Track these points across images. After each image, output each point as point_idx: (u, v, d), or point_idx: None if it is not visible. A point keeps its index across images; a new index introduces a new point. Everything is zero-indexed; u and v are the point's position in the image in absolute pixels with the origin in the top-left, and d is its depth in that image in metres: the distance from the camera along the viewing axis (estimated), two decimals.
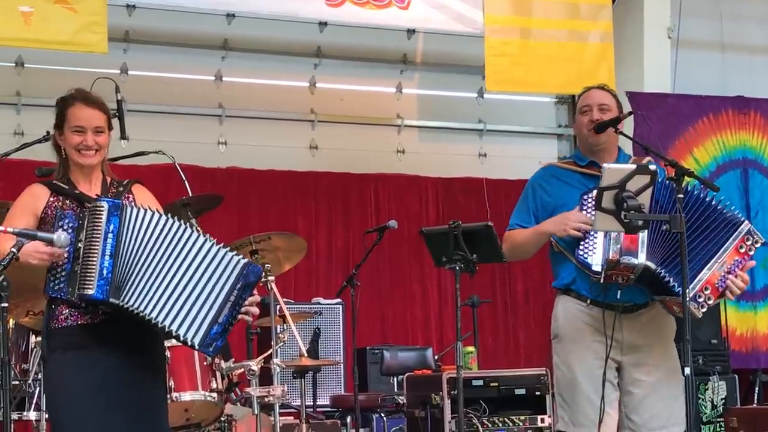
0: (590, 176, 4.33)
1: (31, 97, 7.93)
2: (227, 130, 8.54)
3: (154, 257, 3.53)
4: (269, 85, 8.67)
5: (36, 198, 3.71)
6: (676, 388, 4.21)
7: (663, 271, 4.10)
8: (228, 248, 3.57)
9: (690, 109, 8.39)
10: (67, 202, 3.69)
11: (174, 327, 3.47)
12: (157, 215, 3.58)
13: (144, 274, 3.51)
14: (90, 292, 3.48)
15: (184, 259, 3.52)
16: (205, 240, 3.56)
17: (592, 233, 4.16)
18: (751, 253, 4.19)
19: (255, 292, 3.60)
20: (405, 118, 9.05)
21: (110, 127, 3.81)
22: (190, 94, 8.44)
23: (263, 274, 3.57)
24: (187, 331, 3.48)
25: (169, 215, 3.61)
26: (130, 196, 3.79)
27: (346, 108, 8.83)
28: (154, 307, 3.48)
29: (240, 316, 3.56)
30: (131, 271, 3.51)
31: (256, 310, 3.61)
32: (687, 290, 4.04)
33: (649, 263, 4.08)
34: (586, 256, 4.20)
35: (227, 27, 8.41)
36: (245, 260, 3.56)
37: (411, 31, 8.83)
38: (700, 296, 4.12)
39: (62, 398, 3.60)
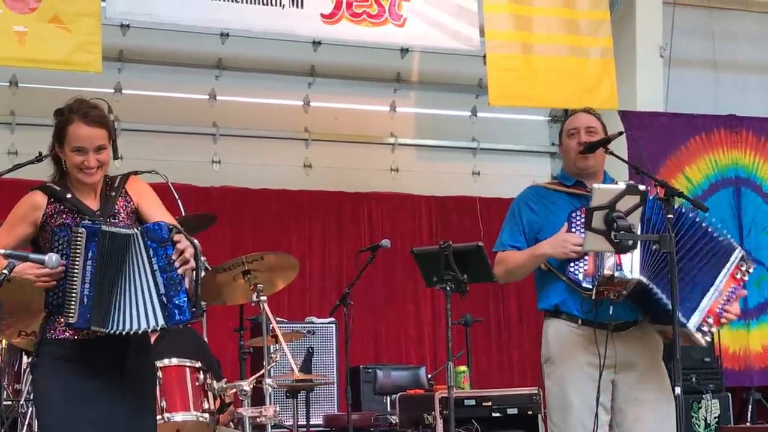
0: (577, 196, 4.35)
1: (25, 116, 7.95)
2: (221, 149, 8.55)
3: (127, 278, 3.53)
4: (263, 104, 8.70)
5: (35, 208, 3.69)
6: (668, 407, 4.21)
7: (655, 286, 4.11)
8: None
9: (682, 127, 8.41)
10: (65, 210, 3.67)
11: (142, 326, 3.50)
12: (129, 236, 3.57)
13: (122, 297, 3.52)
14: (71, 321, 3.50)
15: (144, 270, 3.53)
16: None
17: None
18: (746, 279, 4.23)
19: (179, 237, 3.53)
20: (399, 136, 9.07)
21: (112, 138, 3.76)
22: (184, 113, 8.46)
23: (168, 228, 3.48)
24: (155, 320, 3.50)
25: (138, 230, 3.58)
26: (128, 196, 3.77)
27: (340, 126, 8.86)
28: (128, 322, 3.50)
29: (180, 269, 3.51)
30: (105, 294, 3.51)
31: (188, 254, 3.51)
32: (691, 320, 4.08)
33: (642, 278, 4.10)
34: (577, 272, 4.20)
35: (221, 46, 8.44)
36: (140, 229, 3.56)
37: (404, 50, 8.88)
38: (704, 325, 4.14)
39: (47, 403, 3.60)
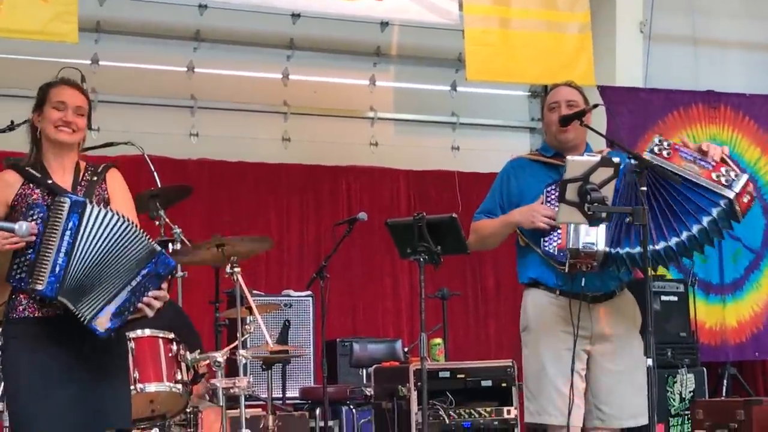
0: (555, 167, 4.38)
1: (2, 87, 7.87)
2: (199, 122, 8.50)
3: (103, 261, 3.54)
4: (242, 76, 8.64)
5: (6, 186, 3.69)
6: (643, 378, 4.26)
7: (621, 250, 4.11)
8: (148, 238, 3.63)
9: (660, 103, 8.42)
10: (38, 191, 3.67)
11: (82, 310, 3.51)
12: (114, 217, 3.58)
13: (95, 280, 3.53)
14: (39, 287, 3.50)
15: (121, 258, 3.56)
16: (142, 236, 3.60)
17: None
18: (677, 145, 4.16)
19: (163, 287, 3.62)
20: (378, 110, 9.04)
21: (88, 110, 3.82)
22: (162, 85, 8.40)
23: (177, 269, 3.59)
24: (85, 310, 3.51)
25: (123, 215, 3.61)
26: (104, 184, 3.79)
27: (319, 100, 8.81)
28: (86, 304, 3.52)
29: (139, 305, 3.57)
30: (83, 272, 3.51)
31: (157, 303, 3.61)
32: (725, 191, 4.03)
33: (608, 248, 4.12)
34: (550, 246, 4.24)
35: (199, 18, 8.39)
36: (159, 249, 3.60)
37: (384, 24, 8.84)
38: (725, 179, 4.04)
39: (15, 386, 3.61)
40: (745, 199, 4.12)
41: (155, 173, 6.22)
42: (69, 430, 3.60)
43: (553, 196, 4.25)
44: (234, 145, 8.49)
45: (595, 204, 3.96)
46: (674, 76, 9.01)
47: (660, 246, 4.14)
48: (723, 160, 4.13)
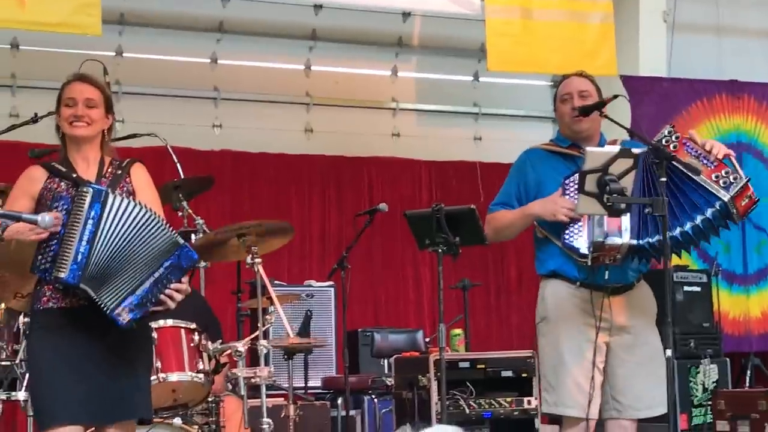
0: (571, 157, 4.37)
1: (26, 79, 7.95)
2: (222, 113, 8.55)
3: (125, 250, 3.58)
4: (264, 67, 8.67)
5: (32, 181, 3.76)
6: (660, 369, 4.26)
7: (646, 242, 4.12)
8: (172, 230, 3.66)
9: (683, 92, 8.38)
10: (63, 184, 3.72)
11: (104, 299, 3.54)
12: (136, 207, 3.62)
13: (117, 269, 3.56)
14: (62, 275, 3.53)
15: (143, 247, 3.59)
16: (165, 228, 3.64)
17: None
18: (695, 144, 4.16)
19: (184, 281, 3.65)
20: (400, 101, 9.06)
21: (108, 107, 3.86)
22: (185, 77, 8.44)
23: (198, 262, 3.62)
24: (107, 299, 3.54)
25: (145, 205, 3.65)
26: (128, 178, 3.83)
27: (341, 91, 8.83)
28: (108, 293, 3.55)
29: (161, 296, 3.60)
30: (105, 260, 3.55)
31: (179, 296, 3.64)
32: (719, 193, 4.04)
33: (633, 241, 4.11)
34: (572, 239, 4.23)
35: (222, 9, 8.43)
36: (183, 242, 3.62)
37: (406, 14, 8.85)
38: (723, 181, 4.06)
39: (38, 375, 3.66)
40: (744, 202, 4.11)
41: (178, 164, 6.25)
42: (91, 420, 3.66)
43: (572, 188, 4.23)
44: (256, 136, 8.53)
45: (615, 195, 3.96)
46: (698, 65, 8.95)
47: (654, 239, 4.14)
48: (726, 162, 4.11)
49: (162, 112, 8.15)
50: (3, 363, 5.26)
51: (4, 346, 5.36)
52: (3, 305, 5.34)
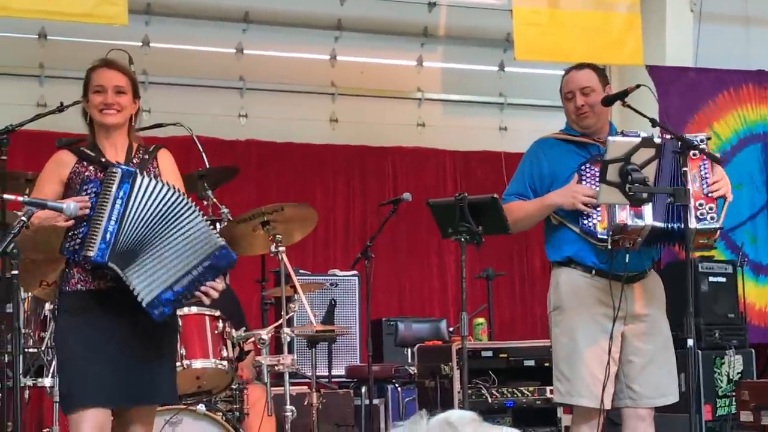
0: (584, 145, 4.36)
1: (53, 68, 8.02)
2: (248, 103, 8.58)
3: (154, 231, 3.61)
4: (290, 57, 8.70)
5: (61, 165, 3.79)
6: (671, 357, 4.31)
7: (669, 225, 4.12)
8: (213, 229, 3.70)
9: (710, 83, 8.33)
10: (91, 168, 3.75)
11: (137, 285, 3.57)
12: (164, 188, 3.65)
13: (146, 249, 3.59)
14: (90, 254, 3.56)
15: (175, 232, 3.62)
16: (197, 215, 3.66)
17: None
18: (705, 148, 4.15)
19: (220, 280, 3.68)
20: (425, 91, 9.06)
21: (135, 92, 3.89)
22: (211, 67, 8.48)
23: (235, 263, 3.66)
24: (143, 289, 3.56)
25: (173, 186, 3.68)
26: (155, 162, 3.87)
27: (366, 81, 8.84)
28: (139, 277, 3.58)
29: (197, 293, 3.64)
30: (133, 240, 3.58)
31: (214, 294, 3.67)
32: (690, 221, 4.04)
33: (656, 223, 4.10)
34: (590, 224, 4.21)
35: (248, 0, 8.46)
36: (222, 243, 3.64)
37: (432, 4, 8.85)
38: (700, 212, 4.10)
39: (65, 357, 3.69)
40: (702, 241, 4.15)
41: (203, 154, 6.28)
42: (116, 403, 3.69)
43: (588, 174, 4.23)
44: (282, 126, 8.56)
45: (636, 185, 3.96)
46: (725, 55, 8.87)
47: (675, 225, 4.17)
48: (718, 201, 4.11)
49: (188, 101, 8.19)
50: (30, 350, 5.33)
51: (31, 333, 5.42)
52: (30, 293, 5.40)
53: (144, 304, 3.56)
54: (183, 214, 3.63)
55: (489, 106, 9.27)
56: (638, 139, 4.06)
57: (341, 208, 8.54)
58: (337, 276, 7.55)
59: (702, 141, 4.17)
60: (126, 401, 3.69)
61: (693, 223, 4.09)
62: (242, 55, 8.58)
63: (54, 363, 4.75)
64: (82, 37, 7.84)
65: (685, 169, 4.07)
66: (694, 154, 4.11)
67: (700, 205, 4.10)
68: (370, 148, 8.70)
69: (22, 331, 5.36)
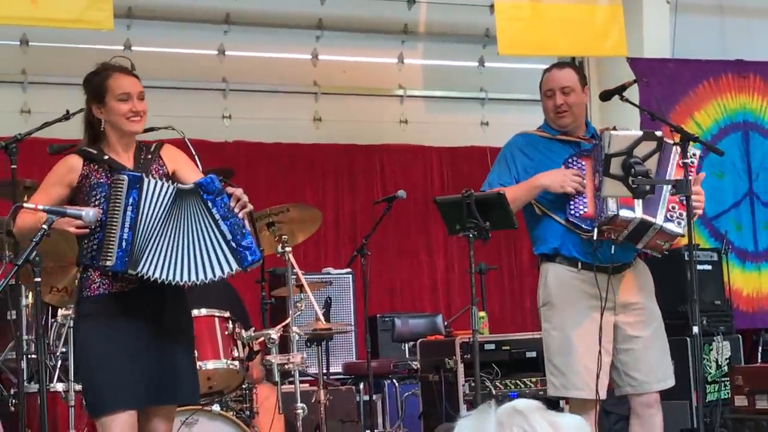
0: (569, 143, 4.42)
1: (36, 75, 8.00)
2: (231, 104, 8.60)
3: (163, 226, 3.65)
4: (272, 58, 8.72)
5: (71, 170, 3.79)
6: (665, 342, 4.41)
7: (654, 219, 4.20)
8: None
9: (690, 73, 8.43)
10: (99, 170, 3.77)
11: (217, 273, 3.61)
12: (170, 187, 3.70)
13: (155, 242, 3.63)
14: (109, 263, 3.60)
15: (207, 222, 3.67)
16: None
17: (580, 192, 4.25)
18: (695, 162, 4.26)
19: (229, 188, 3.72)
20: (407, 88, 9.11)
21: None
22: (194, 69, 8.49)
23: (219, 180, 3.70)
24: (229, 266, 3.59)
25: (176, 184, 3.73)
26: (161, 161, 3.90)
27: (348, 79, 8.89)
28: (169, 270, 3.62)
29: (241, 214, 3.67)
30: (146, 241, 3.62)
31: (244, 197, 3.70)
32: (657, 217, 4.17)
33: (646, 216, 4.18)
34: (577, 213, 4.28)
35: (229, 1, 8.47)
36: (194, 184, 3.72)
37: (411, 1, 8.91)
38: (671, 215, 4.21)
39: (90, 361, 3.73)
40: (659, 242, 4.28)
41: (196, 156, 6.31)
42: (144, 404, 3.72)
43: (575, 167, 4.30)
44: (266, 127, 8.58)
45: (640, 177, 4.05)
46: (701, 46, 8.98)
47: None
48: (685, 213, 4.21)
49: (171, 104, 8.16)
50: (33, 356, 5.34)
51: (33, 340, 5.44)
52: (30, 299, 5.42)
53: (242, 268, 3.62)
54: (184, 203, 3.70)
55: (470, 102, 9.34)
56: (640, 133, 4.16)
57: (331, 206, 8.57)
58: (332, 274, 7.60)
59: (694, 155, 4.25)
60: (153, 401, 3.73)
61: (659, 221, 4.18)
62: (224, 56, 8.59)
63: (70, 368, 4.77)
64: (64, 42, 7.84)
65: (685, 161, 4.15)
66: (683, 163, 4.19)
67: (673, 207, 4.22)
68: (356, 146, 8.75)
69: (24, 337, 5.39)
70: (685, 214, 4.19)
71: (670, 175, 4.22)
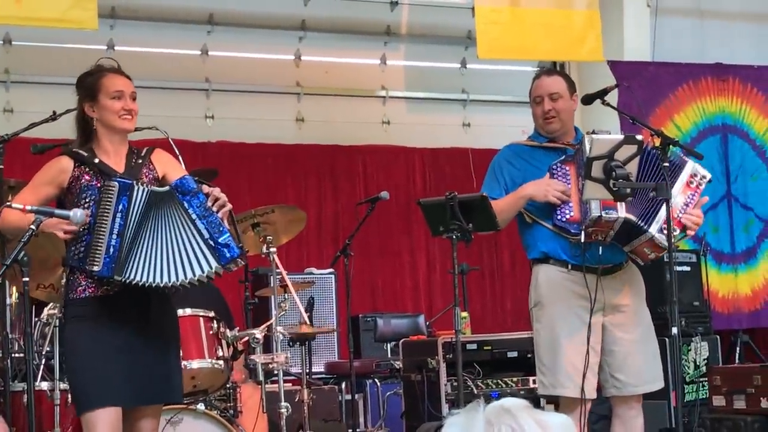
0: (554, 150, 4.48)
1: (20, 74, 7.99)
2: (214, 104, 8.61)
3: (144, 229, 3.69)
4: (255, 58, 8.73)
5: (63, 171, 3.81)
6: (654, 345, 4.47)
7: (642, 222, 4.26)
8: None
9: (670, 76, 8.51)
10: (90, 173, 3.79)
11: (197, 273, 3.64)
12: (147, 190, 3.72)
13: (138, 247, 3.67)
14: (96, 268, 3.63)
15: (184, 223, 3.70)
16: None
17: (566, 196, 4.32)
18: (702, 186, 4.36)
19: (205, 187, 3.73)
20: (389, 89, 9.15)
21: None
22: (177, 69, 8.50)
23: (194, 180, 3.71)
24: (209, 265, 3.63)
25: (151, 187, 3.77)
26: (152, 165, 3.92)
27: (331, 80, 8.91)
28: (151, 274, 3.65)
29: (220, 213, 3.69)
30: (130, 246, 3.66)
31: (222, 197, 3.71)
32: (652, 227, 4.23)
33: (629, 215, 4.24)
34: (563, 218, 4.34)
35: (212, 1, 8.49)
36: (169, 187, 3.74)
37: (394, 3, 8.95)
38: (665, 229, 4.26)
39: (76, 362, 3.75)
40: (646, 250, 4.35)
41: (180, 157, 6.33)
42: (129, 403, 3.75)
43: (559, 173, 4.35)
44: (249, 127, 8.60)
45: (620, 180, 4.11)
46: (681, 49, 9.07)
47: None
48: (683, 232, 4.33)
49: (154, 104, 8.12)
50: (16, 355, 5.36)
51: (17, 339, 5.45)
52: (15, 296, 5.43)
53: (223, 268, 3.62)
54: (170, 209, 3.73)
55: (452, 103, 9.38)
56: (621, 137, 4.21)
57: (313, 207, 8.59)
58: (315, 274, 7.63)
59: (703, 177, 4.35)
60: (139, 401, 3.76)
61: (653, 230, 4.25)
62: (207, 56, 8.61)
63: (55, 367, 4.79)
64: (47, 42, 7.84)
65: (666, 164, 4.22)
66: (690, 183, 4.28)
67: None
68: (339, 147, 8.78)
69: (9, 336, 5.40)
70: (679, 231, 4.29)
71: (677, 192, 4.29)
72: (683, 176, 4.34)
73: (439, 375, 5.80)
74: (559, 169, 4.37)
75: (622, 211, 4.23)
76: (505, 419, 1.74)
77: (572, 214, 4.32)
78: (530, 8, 7.97)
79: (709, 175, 4.39)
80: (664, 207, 4.21)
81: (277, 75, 8.80)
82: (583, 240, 4.26)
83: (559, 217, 4.35)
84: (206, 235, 3.65)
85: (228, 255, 3.65)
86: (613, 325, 4.44)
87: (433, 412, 5.86)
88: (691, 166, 4.36)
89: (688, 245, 7.91)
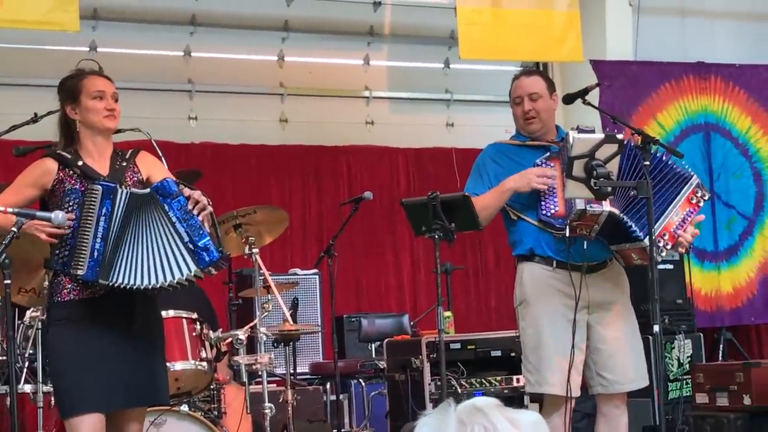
0: (538, 148, 4.50)
1: (1, 76, 7.95)
2: (197, 105, 8.60)
3: (125, 232, 3.69)
4: (238, 59, 8.73)
5: (47, 173, 3.81)
6: (638, 343, 4.49)
7: (626, 217, 4.28)
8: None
9: (652, 75, 8.54)
10: (74, 176, 3.79)
11: (176, 276, 3.64)
12: (128, 193, 3.72)
13: (120, 250, 3.67)
14: (80, 272, 3.64)
15: (164, 225, 3.69)
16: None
17: (550, 192, 4.33)
18: (701, 204, 4.41)
19: (186, 191, 3.71)
20: (373, 89, 9.16)
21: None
22: (160, 70, 8.48)
23: (175, 183, 3.71)
24: (188, 268, 3.62)
25: (131, 189, 3.76)
26: (136, 168, 3.92)
27: (314, 81, 8.91)
28: (134, 276, 3.64)
29: (200, 216, 3.67)
30: (114, 250, 3.65)
31: (203, 199, 3.70)
32: (647, 238, 4.25)
33: (614, 209, 4.27)
34: (548, 213, 4.36)
35: (195, 2, 8.47)
36: (149, 189, 3.73)
37: (377, 3, 8.95)
38: (659, 241, 4.30)
39: (61, 365, 3.76)
40: (634, 255, 4.42)
41: (163, 158, 6.32)
42: (110, 407, 3.75)
43: (544, 167, 4.38)
44: (232, 128, 8.59)
45: (601, 179, 4.13)
46: (663, 48, 9.10)
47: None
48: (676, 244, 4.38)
49: (137, 106, 8.10)
50: (1, 358, 5.34)
51: (1, 341, 5.43)
52: None
53: (202, 271, 3.61)
54: (154, 213, 3.72)
55: (435, 103, 9.39)
56: (602, 136, 4.23)
57: (297, 207, 8.59)
58: (299, 275, 7.63)
59: (702, 197, 4.39)
60: (124, 404, 3.76)
61: (647, 241, 4.27)
62: (190, 57, 8.60)
63: (38, 370, 4.78)
64: (29, 43, 7.81)
65: (646, 163, 4.24)
66: (692, 198, 4.33)
67: (663, 236, 4.32)
68: (323, 147, 8.78)
69: None
70: (670, 246, 4.33)
71: (676, 207, 4.34)
72: (687, 190, 4.38)
73: (423, 375, 5.81)
74: (544, 164, 4.38)
75: (606, 205, 4.26)
76: (478, 418, 1.74)
77: (557, 209, 4.33)
78: (511, 9, 7.99)
79: (708, 195, 4.43)
80: (663, 217, 4.25)
81: (261, 76, 8.80)
82: (567, 234, 4.29)
83: (543, 212, 4.36)
84: (186, 239, 3.64)
85: (207, 258, 3.64)
86: (598, 323, 4.46)
87: (418, 412, 5.84)
88: (696, 180, 4.40)
89: None
